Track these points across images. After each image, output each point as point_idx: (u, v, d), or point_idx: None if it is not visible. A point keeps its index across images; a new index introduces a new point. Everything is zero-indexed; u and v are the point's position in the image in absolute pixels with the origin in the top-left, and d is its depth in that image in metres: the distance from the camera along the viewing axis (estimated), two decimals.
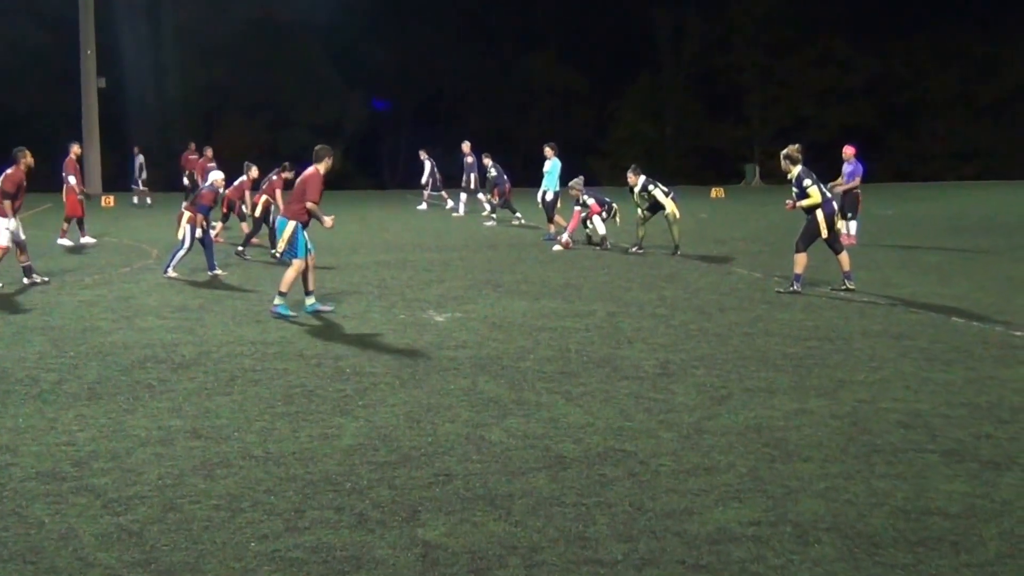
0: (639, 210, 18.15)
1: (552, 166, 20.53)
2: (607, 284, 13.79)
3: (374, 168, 64.35)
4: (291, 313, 11.08)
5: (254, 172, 18.31)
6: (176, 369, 8.47)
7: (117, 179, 40.64)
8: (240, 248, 17.16)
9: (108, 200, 32.43)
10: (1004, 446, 6.11)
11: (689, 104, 70.47)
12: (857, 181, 19.75)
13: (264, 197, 17.44)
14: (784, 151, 12.96)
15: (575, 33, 67.28)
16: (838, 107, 68.98)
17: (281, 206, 16.95)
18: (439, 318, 11.03)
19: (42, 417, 6.95)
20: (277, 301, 11.20)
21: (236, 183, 18.49)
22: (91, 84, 42.24)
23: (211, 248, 14.80)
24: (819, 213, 12.53)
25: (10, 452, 6.15)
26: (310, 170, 11.41)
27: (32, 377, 8.16)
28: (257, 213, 17.57)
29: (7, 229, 13.60)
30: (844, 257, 12.80)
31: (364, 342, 9.63)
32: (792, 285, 12.65)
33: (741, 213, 31.05)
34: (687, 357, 8.78)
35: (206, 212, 14.67)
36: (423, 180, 31.06)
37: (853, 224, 19.57)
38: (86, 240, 19.33)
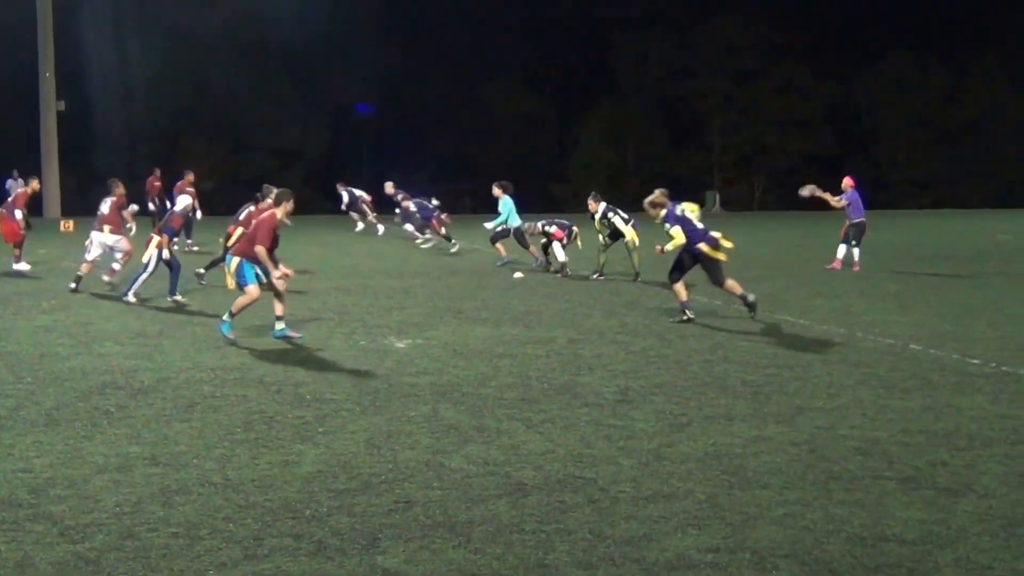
0: (600, 237, 18.25)
1: (504, 204, 20.38)
2: (568, 311, 13.84)
3: (335, 193, 64.30)
4: (230, 335, 10.99)
5: None
6: (135, 395, 8.40)
7: (76, 203, 40.29)
8: (201, 271, 17.03)
9: (67, 225, 32.07)
10: (960, 473, 6.18)
11: (651, 130, 71.06)
12: (844, 203, 20.16)
13: (240, 229, 17.42)
14: (648, 199, 12.94)
15: (537, 59, 67.77)
16: (799, 134, 69.94)
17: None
18: (400, 344, 11.02)
19: None
20: (225, 318, 11.16)
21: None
22: (50, 107, 41.96)
23: (178, 272, 14.72)
24: (703, 247, 12.38)
25: None
26: (267, 213, 11.39)
27: None
28: (230, 243, 17.52)
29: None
30: (731, 283, 12.59)
31: (324, 368, 9.60)
32: (683, 315, 12.47)
33: None
34: (647, 384, 8.82)
35: (172, 235, 14.91)
36: (344, 208, 30.60)
37: (856, 251, 19.90)
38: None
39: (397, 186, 28.11)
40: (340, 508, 5.55)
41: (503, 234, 20.39)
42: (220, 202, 40.14)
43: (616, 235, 18.04)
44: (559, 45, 67.48)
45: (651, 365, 9.73)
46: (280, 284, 11.21)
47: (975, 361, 9.86)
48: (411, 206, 25.57)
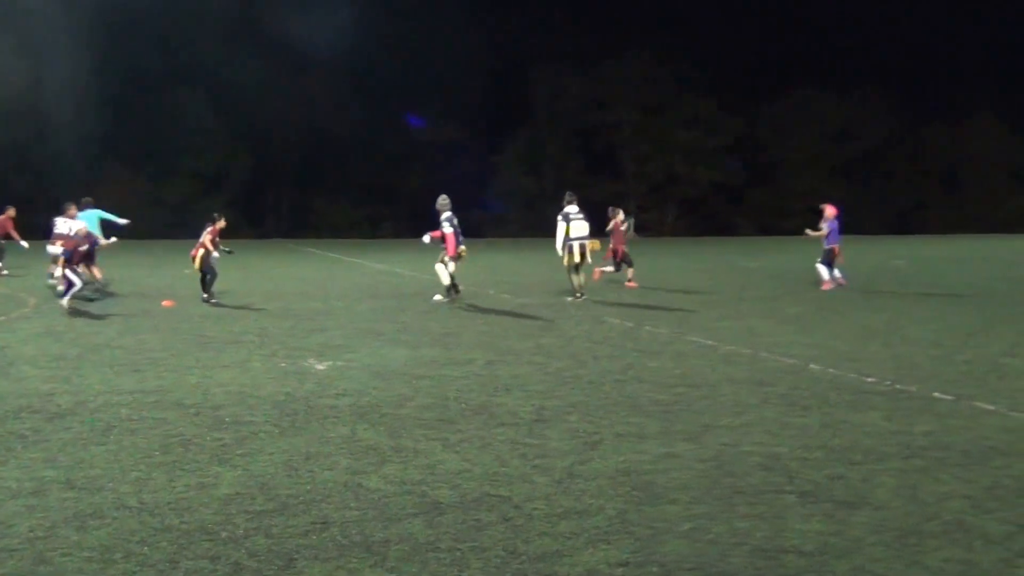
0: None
1: (90, 215, 20.00)
2: (485, 333, 13.99)
3: (258, 218, 64.18)
4: None
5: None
6: (51, 419, 8.31)
7: None
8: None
9: None
10: (856, 486, 6.38)
11: (567, 159, 72.07)
12: (825, 231, 21.17)
13: (201, 251, 17.95)
14: None
15: (457, 89, 68.31)
16: (706, 164, 71.77)
17: (216, 253, 18.06)
18: (320, 366, 11.04)
19: None
20: None
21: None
22: None
23: (76, 287, 16.38)
24: None
25: None
26: None
27: None
28: (196, 265, 18.11)
29: None
30: None
31: (244, 391, 9.58)
32: None
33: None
34: (561, 404, 8.98)
35: (68, 256, 16.60)
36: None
37: (836, 271, 21.07)
38: None
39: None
40: (257, 530, 5.55)
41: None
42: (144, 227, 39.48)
43: (582, 253, 18.46)
44: (479, 77, 68.26)
45: (565, 385, 9.90)
46: None
47: (870, 380, 10.21)
48: None
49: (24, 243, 24.57)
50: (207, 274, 18.07)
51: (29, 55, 53.92)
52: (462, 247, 17.91)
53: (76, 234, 17.52)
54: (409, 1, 65.82)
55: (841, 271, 21.36)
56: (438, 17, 66.87)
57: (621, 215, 21.85)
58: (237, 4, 59.47)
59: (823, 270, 21.16)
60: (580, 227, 18.60)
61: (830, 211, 21.49)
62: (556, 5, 70.30)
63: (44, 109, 55.91)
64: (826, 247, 21.18)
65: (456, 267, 18.01)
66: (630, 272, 22.12)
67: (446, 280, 17.81)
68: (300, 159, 67.82)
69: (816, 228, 21.50)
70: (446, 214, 17.91)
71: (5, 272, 24.38)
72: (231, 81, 60.76)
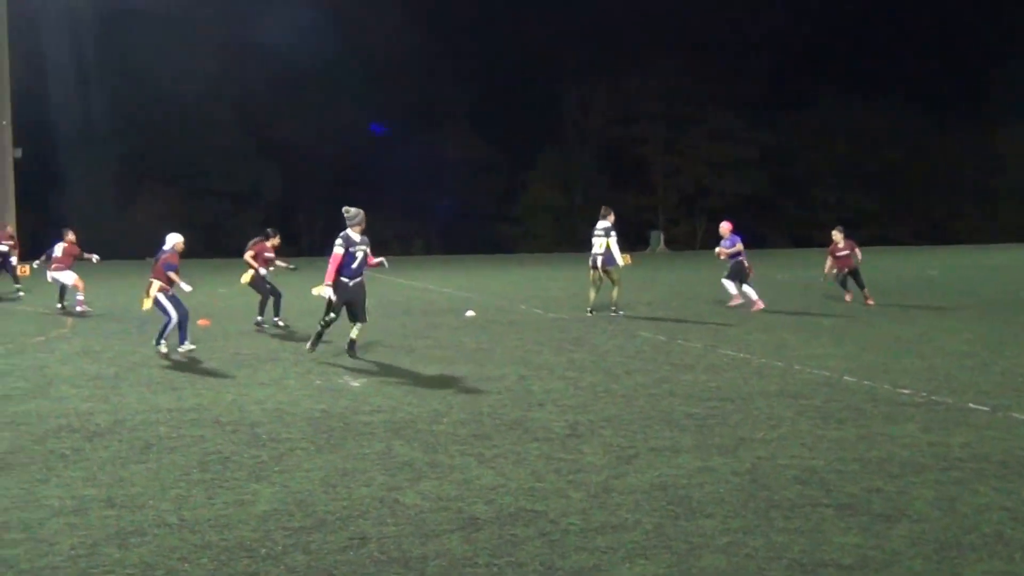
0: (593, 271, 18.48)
1: None
2: (518, 348, 14.01)
3: (292, 236, 64.79)
4: None
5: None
6: (91, 438, 8.41)
7: (33, 249, 40.21)
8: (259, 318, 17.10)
9: (24, 269, 31.68)
10: (894, 499, 6.34)
11: (596, 174, 72.33)
12: (739, 247, 20.13)
13: (250, 271, 17.17)
14: None
15: (486, 105, 68.81)
16: (735, 177, 71.67)
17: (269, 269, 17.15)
18: (354, 383, 11.12)
19: None
20: None
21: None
22: (7, 155, 41.81)
23: (186, 320, 13.72)
24: None
25: None
26: None
27: None
28: (244, 280, 17.25)
29: None
30: None
31: (280, 408, 9.66)
32: None
33: (646, 278, 31.63)
34: (595, 418, 8.98)
35: (174, 269, 13.62)
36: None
37: (750, 290, 19.75)
38: None
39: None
40: (295, 546, 5.59)
41: None
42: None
43: (609, 261, 18.27)
44: (507, 93, 68.73)
45: (599, 400, 9.91)
46: None
47: (906, 391, 10.15)
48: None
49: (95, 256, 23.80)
50: (264, 295, 16.88)
51: (64, 78, 54.79)
52: (358, 279, 13.36)
53: (173, 248, 13.99)
54: (436, 20, 66.37)
55: (756, 290, 20.05)
56: (467, 36, 67.42)
57: (841, 236, 20.71)
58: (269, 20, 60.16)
59: (729, 285, 20.10)
60: (596, 243, 18.55)
61: (726, 228, 20.36)
62: (582, 21, 70.72)
63: (79, 131, 56.75)
64: (732, 263, 20.01)
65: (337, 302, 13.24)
66: (865, 291, 20.72)
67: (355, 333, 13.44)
68: (330, 177, 68.46)
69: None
70: (345, 233, 13.40)
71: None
72: (262, 99, 61.52)
